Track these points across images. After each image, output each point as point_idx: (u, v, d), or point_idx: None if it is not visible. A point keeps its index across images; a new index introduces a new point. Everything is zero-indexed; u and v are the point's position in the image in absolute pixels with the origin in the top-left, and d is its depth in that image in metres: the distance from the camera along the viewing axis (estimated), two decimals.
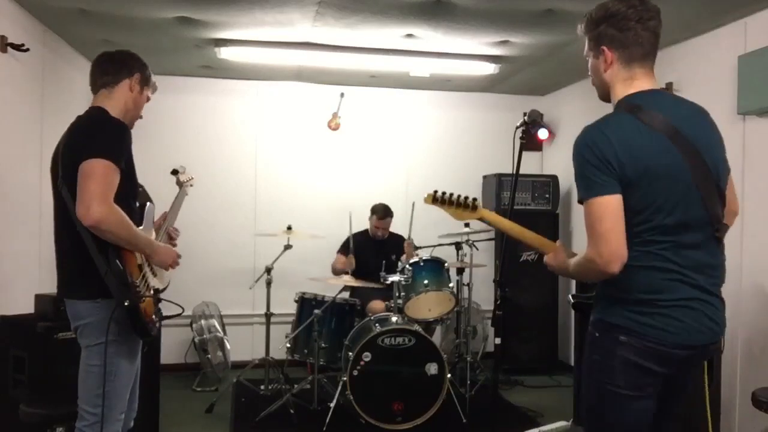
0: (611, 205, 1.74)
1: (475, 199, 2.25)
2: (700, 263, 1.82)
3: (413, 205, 4.70)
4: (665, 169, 1.78)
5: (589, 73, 2.00)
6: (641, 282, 1.80)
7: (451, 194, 2.25)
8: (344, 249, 5.18)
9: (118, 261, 2.23)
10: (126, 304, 2.22)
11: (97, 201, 2.14)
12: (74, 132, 2.35)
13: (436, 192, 2.26)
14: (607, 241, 1.73)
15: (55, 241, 2.43)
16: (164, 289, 2.56)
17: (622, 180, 1.76)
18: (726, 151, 1.93)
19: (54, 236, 2.43)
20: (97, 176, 2.16)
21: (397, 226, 5.24)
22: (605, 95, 1.98)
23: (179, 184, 2.87)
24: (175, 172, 2.87)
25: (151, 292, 2.41)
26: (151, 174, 2.87)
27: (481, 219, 2.26)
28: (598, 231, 1.74)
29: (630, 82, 1.89)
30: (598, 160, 1.75)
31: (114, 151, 2.24)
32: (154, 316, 2.40)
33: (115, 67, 2.45)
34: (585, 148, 1.80)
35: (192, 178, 2.92)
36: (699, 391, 2.70)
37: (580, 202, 1.82)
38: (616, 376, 1.84)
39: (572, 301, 2.12)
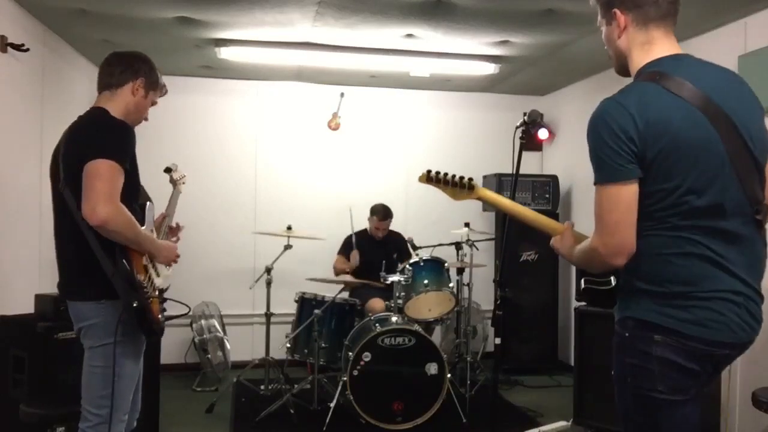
0: (624, 195, 1.58)
1: (471, 179, 2.12)
2: (739, 251, 1.64)
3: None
4: (696, 144, 1.59)
5: (605, 46, 1.83)
6: (673, 271, 1.62)
7: (446, 173, 2.13)
8: (344, 250, 5.18)
9: (125, 261, 2.23)
10: (135, 305, 2.21)
11: (104, 201, 2.14)
12: (76, 132, 2.34)
13: (429, 171, 2.13)
14: (613, 233, 1.60)
15: (55, 243, 2.42)
16: (166, 289, 2.56)
17: (645, 158, 1.57)
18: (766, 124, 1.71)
19: (54, 238, 2.42)
20: (103, 176, 2.16)
21: (397, 224, 5.25)
22: (622, 67, 1.80)
23: (173, 182, 2.85)
24: (168, 170, 2.84)
25: (156, 292, 2.42)
26: (150, 174, 2.86)
27: (480, 199, 2.14)
28: (606, 221, 1.61)
29: (648, 48, 1.71)
30: (616, 139, 1.57)
31: (119, 151, 2.23)
32: (160, 316, 2.40)
33: (120, 68, 2.43)
34: (601, 124, 1.61)
35: (184, 176, 2.89)
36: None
37: (595, 184, 1.65)
38: (656, 381, 1.64)
39: (583, 285, 1.90)
